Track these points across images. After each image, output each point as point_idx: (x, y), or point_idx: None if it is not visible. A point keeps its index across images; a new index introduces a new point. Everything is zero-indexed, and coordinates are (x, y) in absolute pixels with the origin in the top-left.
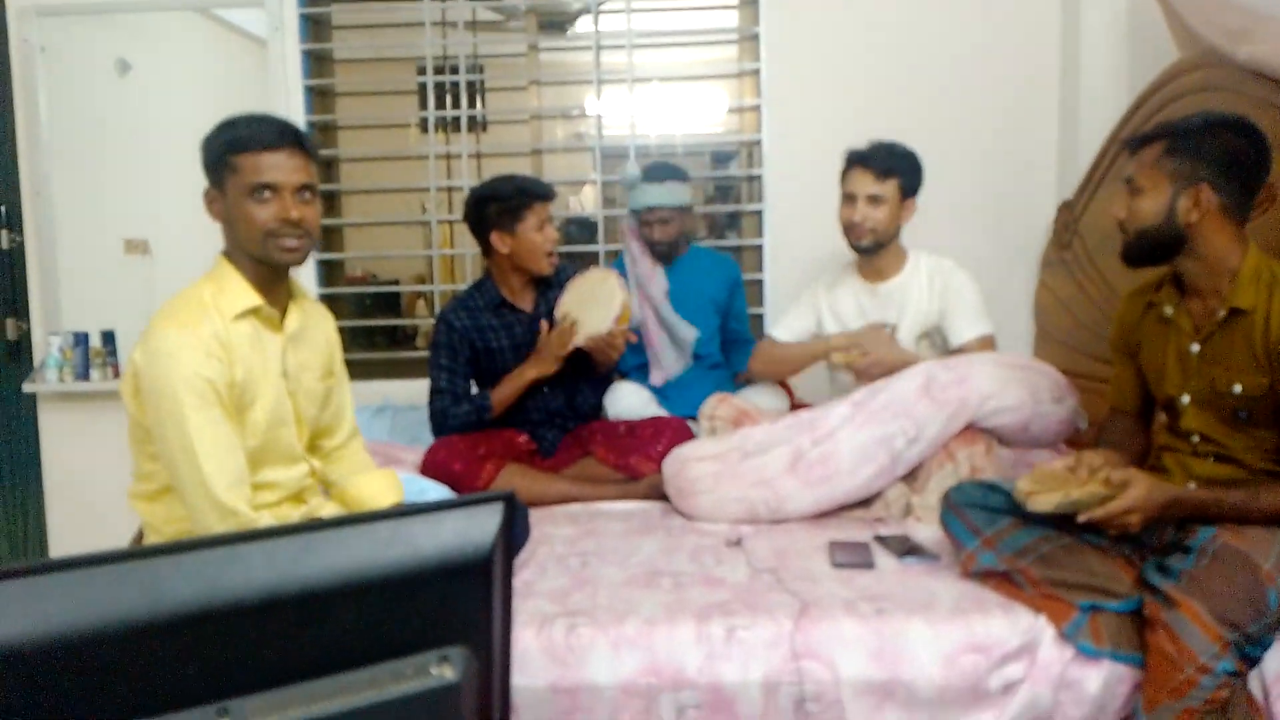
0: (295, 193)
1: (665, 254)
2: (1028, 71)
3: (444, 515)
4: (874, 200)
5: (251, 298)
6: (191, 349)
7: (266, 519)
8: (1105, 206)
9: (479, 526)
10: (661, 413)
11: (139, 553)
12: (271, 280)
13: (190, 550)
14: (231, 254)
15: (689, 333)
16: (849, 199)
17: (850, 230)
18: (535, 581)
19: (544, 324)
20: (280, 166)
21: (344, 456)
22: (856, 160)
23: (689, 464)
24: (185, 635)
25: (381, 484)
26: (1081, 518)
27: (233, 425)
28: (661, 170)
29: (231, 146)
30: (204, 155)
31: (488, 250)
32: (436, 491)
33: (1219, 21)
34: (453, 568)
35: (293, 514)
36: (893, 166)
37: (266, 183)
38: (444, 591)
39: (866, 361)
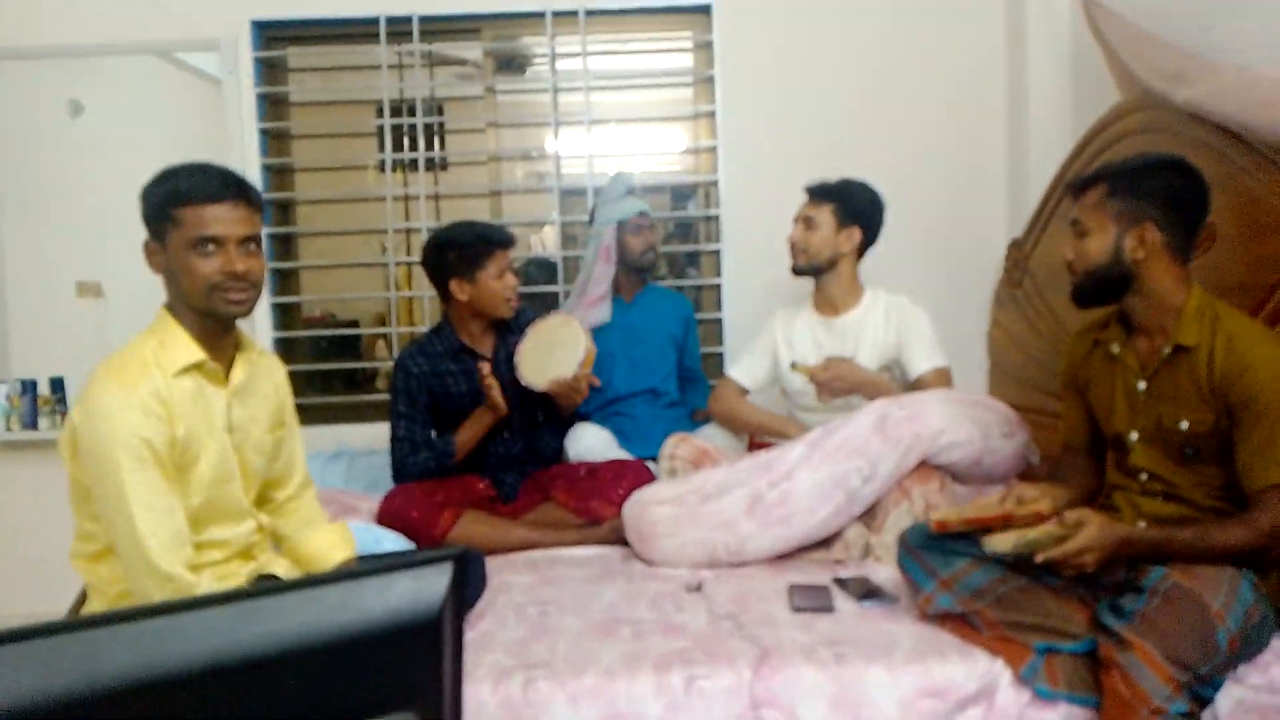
0: (239, 245)
1: (649, 267)
2: (976, 112)
3: (392, 577)
4: (807, 222)
5: (194, 353)
6: (129, 408)
7: (206, 581)
8: (1054, 245)
9: (428, 587)
10: (623, 454)
11: (76, 624)
12: (216, 333)
13: (130, 620)
14: (174, 307)
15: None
16: (794, 224)
17: (790, 251)
18: (493, 633)
19: (482, 366)
20: (223, 219)
21: (295, 509)
22: (805, 189)
23: (649, 508)
24: (126, 708)
25: (333, 538)
26: (1039, 558)
27: (171, 486)
28: (637, 190)
29: (173, 199)
30: (144, 207)
31: (446, 296)
32: (392, 541)
33: (1157, 65)
34: (401, 630)
35: (240, 571)
36: (830, 193)
37: (210, 236)
38: (392, 655)
39: (828, 375)
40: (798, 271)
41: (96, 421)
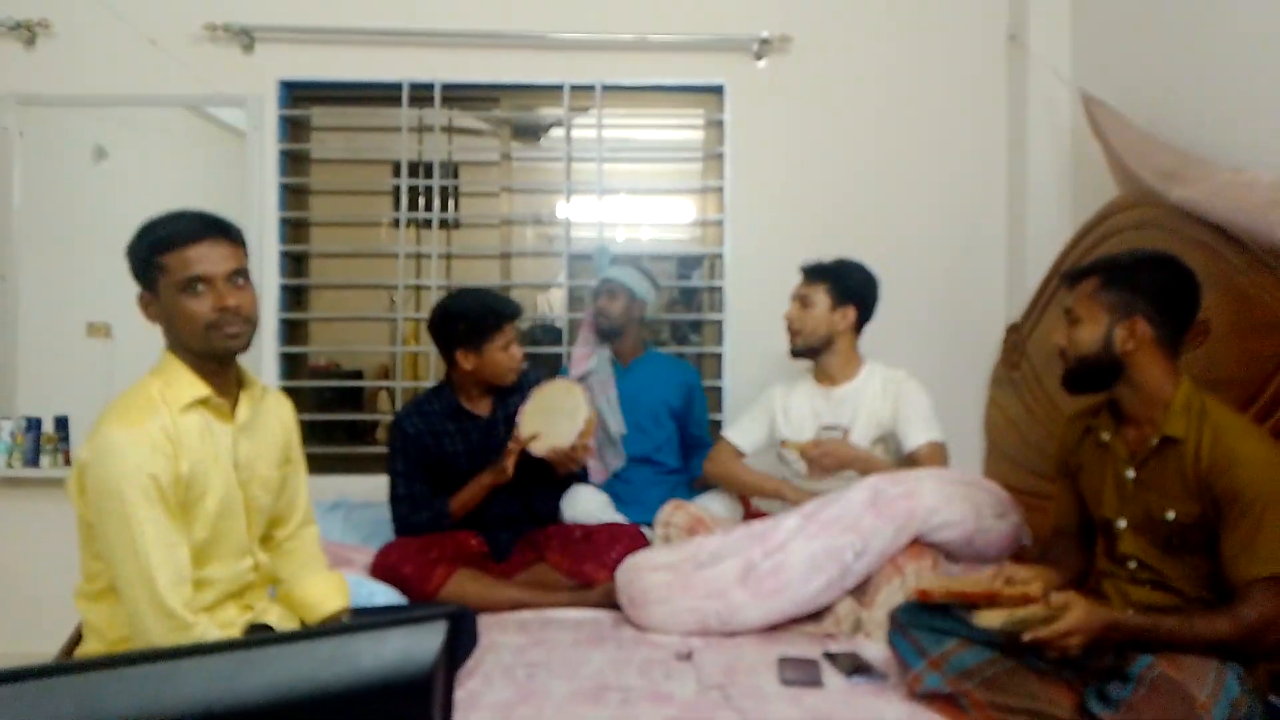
0: (227, 280)
1: (606, 332)
2: (977, 198)
3: (386, 633)
4: (802, 302)
5: (199, 389)
6: (136, 445)
7: (204, 623)
8: (1050, 330)
9: (421, 645)
10: (619, 518)
11: (72, 667)
12: (218, 371)
13: (126, 665)
14: (175, 349)
15: (616, 428)
16: (791, 302)
17: (787, 330)
18: (480, 693)
19: (514, 445)
20: (208, 257)
21: (294, 549)
22: (800, 269)
23: (642, 573)
24: None
25: (328, 587)
26: (1026, 637)
27: (176, 523)
28: (627, 259)
29: (156, 247)
30: (131, 262)
31: (452, 363)
32: (385, 595)
33: (1154, 162)
34: (393, 687)
35: (233, 615)
36: (823, 273)
37: (198, 275)
38: (383, 712)
39: (818, 451)
40: (796, 354)
41: (104, 458)
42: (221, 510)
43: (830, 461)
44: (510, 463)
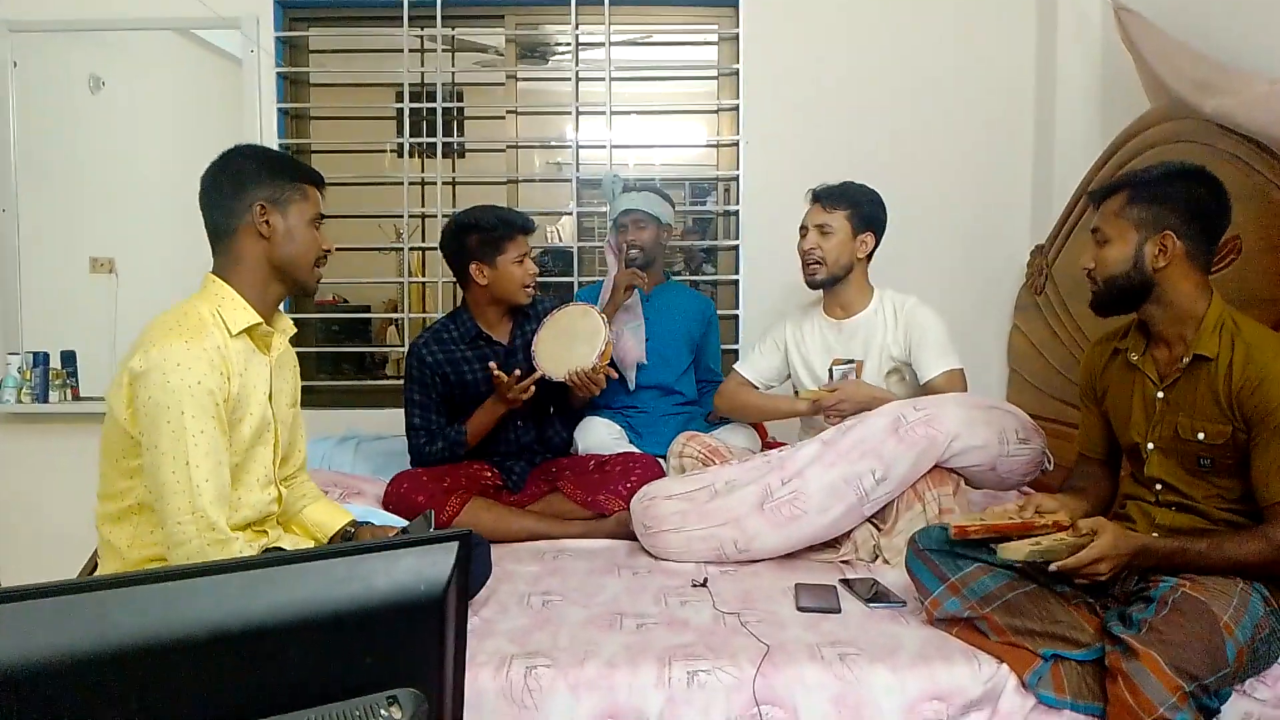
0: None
1: (640, 265)
2: (1004, 116)
3: (399, 553)
4: (821, 230)
5: (252, 315)
6: (197, 359)
7: (242, 540)
8: (1077, 253)
9: (433, 566)
10: (631, 449)
11: (84, 585)
12: (275, 306)
13: (138, 583)
14: (236, 275)
15: (637, 355)
16: (803, 232)
17: (803, 262)
18: (495, 620)
19: (491, 365)
20: (320, 201)
21: (293, 486)
22: (810, 196)
23: (657, 502)
24: (130, 670)
25: (332, 509)
26: (1053, 567)
27: (225, 441)
28: (643, 185)
29: (305, 174)
30: (278, 175)
31: (464, 281)
32: (397, 527)
33: (1188, 74)
34: (406, 607)
35: (252, 541)
36: (841, 198)
37: (319, 214)
38: (396, 631)
39: (834, 398)
40: (816, 285)
41: (163, 369)
42: (254, 438)
43: (848, 406)
44: (521, 387)
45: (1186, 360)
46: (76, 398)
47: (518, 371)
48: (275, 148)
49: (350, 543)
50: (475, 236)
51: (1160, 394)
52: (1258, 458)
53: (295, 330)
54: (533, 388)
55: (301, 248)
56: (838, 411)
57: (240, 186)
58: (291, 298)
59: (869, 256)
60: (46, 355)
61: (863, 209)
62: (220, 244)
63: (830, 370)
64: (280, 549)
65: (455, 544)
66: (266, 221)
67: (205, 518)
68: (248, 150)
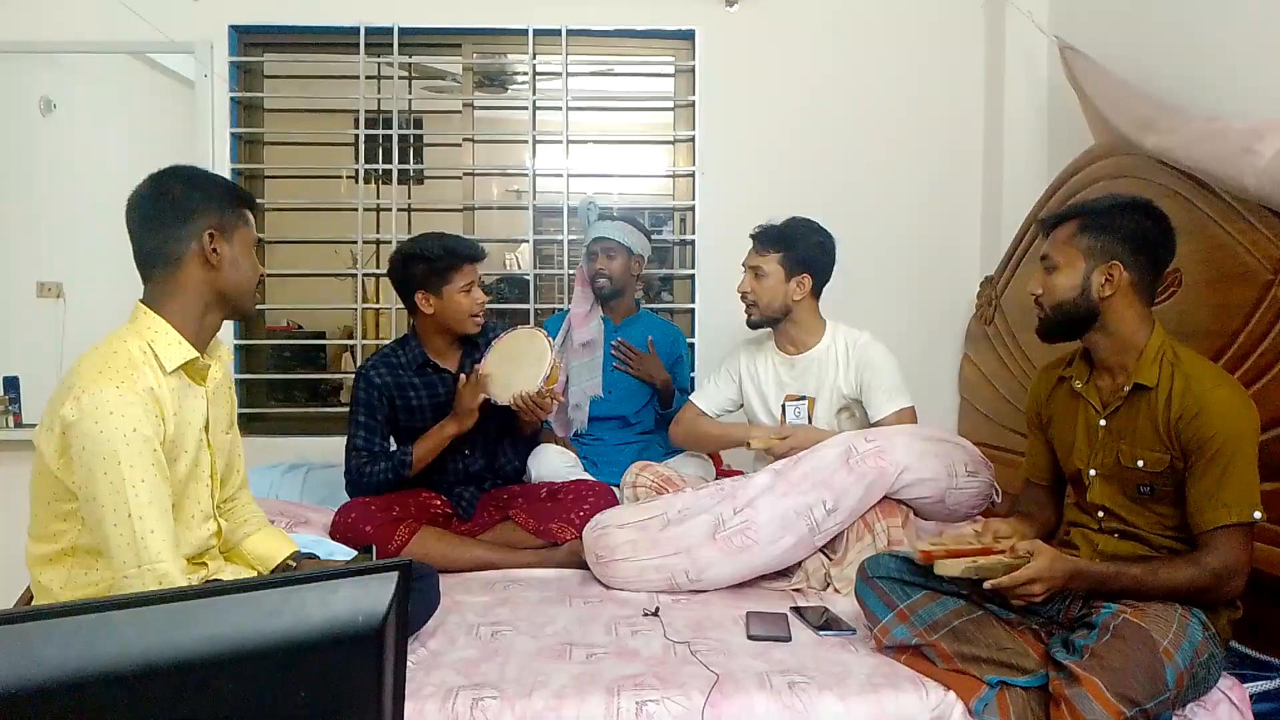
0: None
1: (607, 294)
2: (954, 150)
3: (335, 584)
4: (755, 273)
5: (187, 350)
6: (130, 405)
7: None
8: (1025, 283)
9: (372, 596)
10: (585, 477)
11: (7, 617)
12: (211, 335)
13: (62, 615)
14: (168, 305)
15: (593, 390)
16: (744, 271)
17: (742, 300)
18: (443, 652)
19: (463, 376)
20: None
21: (234, 509)
22: (751, 236)
23: (609, 531)
24: (58, 704)
25: (276, 538)
26: (987, 585)
27: (166, 487)
28: (621, 214)
29: (243, 199)
30: (214, 204)
31: (412, 309)
32: (344, 555)
33: (1130, 111)
34: (343, 639)
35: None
36: (776, 240)
37: (258, 237)
38: (331, 665)
39: (785, 445)
40: (753, 325)
41: (96, 417)
42: (190, 474)
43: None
44: (470, 402)
45: (1128, 389)
46: (19, 425)
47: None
48: (225, 173)
49: (284, 574)
50: (421, 266)
51: (1103, 421)
52: (1192, 486)
53: (231, 357)
54: (480, 398)
55: (246, 275)
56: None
57: (186, 213)
58: (242, 324)
59: (814, 295)
60: None
61: (796, 251)
62: (156, 272)
63: (783, 407)
64: (219, 580)
65: (395, 574)
66: (215, 250)
67: (153, 571)
68: (184, 173)
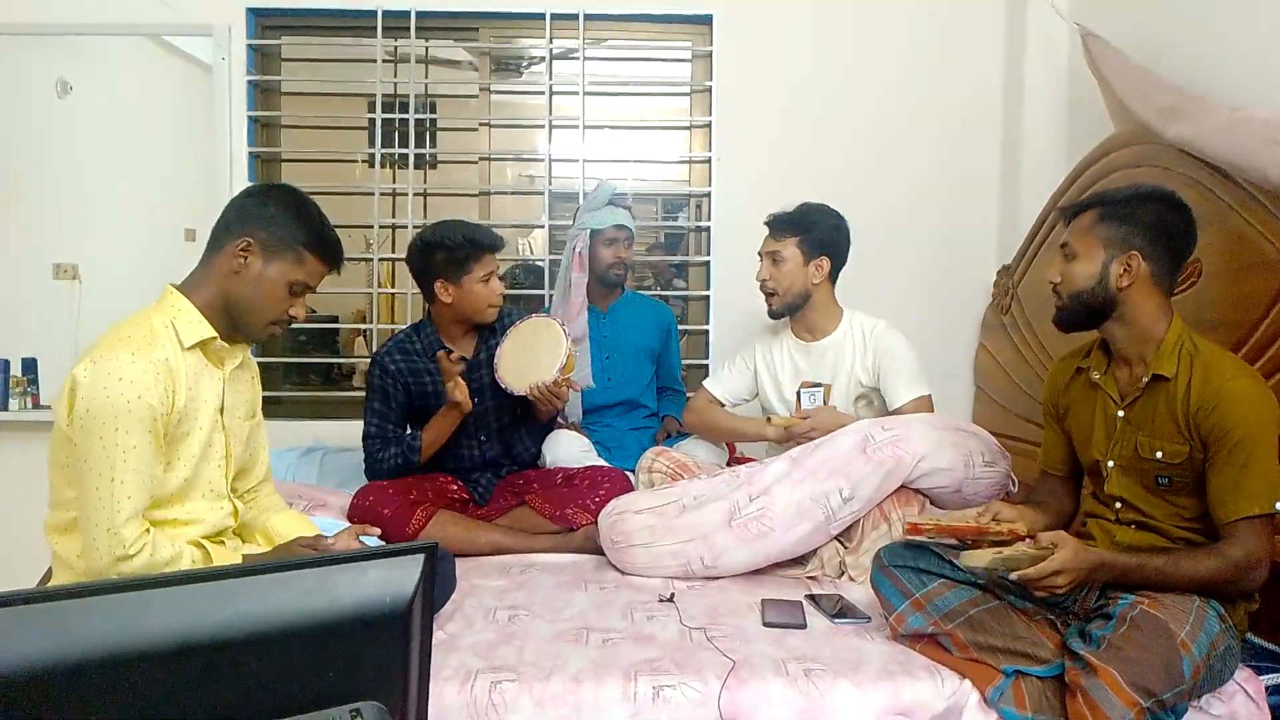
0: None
1: (617, 282)
2: (972, 137)
3: (364, 566)
4: (773, 259)
5: (206, 329)
6: (141, 373)
7: (145, 557)
8: (1042, 272)
9: (399, 578)
10: (600, 463)
11: (47, 594)
12: (226, 333)
13: (99, 594)
14: (202, 290)
15: (583, 381)
16: (760, 260)
17: (761, 290)
18: (461, 635)
19: (441, 354)
20: (318, 275)
21: (255, 498)
22: (765, 223)
23: (625, 517)
24: (89, 683)
25: (295, 520)
26: (1013, 576)
27: (159, 457)
28: (617, 199)
29: (318, 250)
30: (264, 222)
31: (430, 297)
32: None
33: (1151, 99)
34: (370, 620)
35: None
36: (791, 225)
37: (307, 284)
38: (360, 644)
39: (805, 425)
40: (775, 315)
41: (104, 379)
42: (203, 452)
43: (818, 434)
44: (456, 390)
45: (1146, 380)
46: (37, 406)
47: (455, 353)
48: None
49: (316, 555)
50: (441, 254)
51: (1121, 413)
52: (1213, 477)
53: (250, 344)
54: (464, 381)
55: (263, 299)
56: (809, 440)
57: (254, 218)
58: None
59: (831, 279)
60: (7, 363)
61: (813, 233)
62: (205, 255)
63: (798, 393)
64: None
65: (421, 557)
66: (244, 259)
67: (117, 535)
68: (290, 198)
